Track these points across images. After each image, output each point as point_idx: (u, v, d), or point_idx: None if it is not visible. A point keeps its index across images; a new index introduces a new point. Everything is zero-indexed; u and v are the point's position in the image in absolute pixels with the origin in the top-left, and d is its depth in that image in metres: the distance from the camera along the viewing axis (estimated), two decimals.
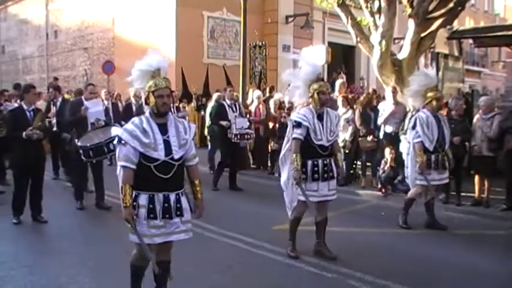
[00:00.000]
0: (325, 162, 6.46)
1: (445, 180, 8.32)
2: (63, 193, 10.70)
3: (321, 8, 20.95)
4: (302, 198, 6.40)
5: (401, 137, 10.25)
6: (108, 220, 8.85)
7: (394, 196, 10.31)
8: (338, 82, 13.08)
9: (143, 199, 4.44)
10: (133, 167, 4.41)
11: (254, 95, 14.29)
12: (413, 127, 7.93)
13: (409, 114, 9.10)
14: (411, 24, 12.91)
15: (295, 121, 6.45)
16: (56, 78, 24.10)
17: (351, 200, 10.33)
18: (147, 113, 4.57)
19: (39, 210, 8.43)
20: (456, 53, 16.58)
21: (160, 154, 4.41)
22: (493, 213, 9.08)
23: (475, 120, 9.82)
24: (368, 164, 11.51)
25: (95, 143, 8.46)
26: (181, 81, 19.01)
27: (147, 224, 4.44)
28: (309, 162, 6.40)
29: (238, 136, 11.33)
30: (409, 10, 12.96)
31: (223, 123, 11.35)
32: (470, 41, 20.46)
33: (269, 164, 13.31)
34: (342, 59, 26.45)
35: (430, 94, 7.85)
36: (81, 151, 8.56)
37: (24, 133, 7.84)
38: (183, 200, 4.59)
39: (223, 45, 22.72)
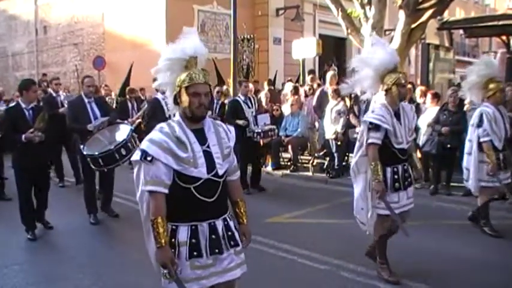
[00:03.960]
0: (404, 167, 5.56)
1: (509, 180, 7.50)
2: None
3: (311, 0, 20.95)
4: (383, 212, 5.51)
5: None
6: (115, 227, 8.36)
7: None
8: (329, 74, 13.07)
9: (183, 233, 3.36)
10: (166, 191, 3.30)
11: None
12: (479, 124, 7.11)
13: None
14: (401, 15, 12.93)
15: (372, 123, 5.38)
16: (44, 75, 24.00)
17: (342, 192, 10.31)
18: (176, 117, 3.47)
19: (43, 216, 7.81)
20: (447, 44, 16.64)
21: (201, 171, 3.34)
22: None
23: (464, 109, 9.85)
24: None
25: (104, 150, 7.51)
26: None
27: (190, 265, 3.36)
28: (389, 170, 5.46)
29: (262, 134, 10.33)
30: (399, 1, 12.99)
31: (240, 122, 10.09)
32: (461, 31, 20.54)
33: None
34: (333, 51, 26.40)
35: (492, 86, 7.05)
36: (88, 159, 7.66)
37: (23, 136, 6.98)
38: (233, 225, 3.56)
39: (213, 38, 22.61)
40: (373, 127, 5.36)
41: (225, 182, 3.51)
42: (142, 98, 14.84)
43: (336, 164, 11.60)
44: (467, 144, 7.53)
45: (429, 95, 10.37)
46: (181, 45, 3.47)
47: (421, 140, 9.92)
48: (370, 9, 13.23)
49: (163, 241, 3.24)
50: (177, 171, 3.29)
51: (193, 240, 3.35)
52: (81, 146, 7.84)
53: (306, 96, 13.54)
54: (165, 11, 20.88)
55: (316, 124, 12.70)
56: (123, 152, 7.53)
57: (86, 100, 8.25)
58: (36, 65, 29.54)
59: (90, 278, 5.93)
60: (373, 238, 5.83)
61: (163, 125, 3.41)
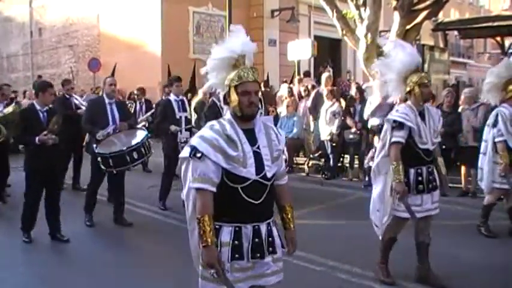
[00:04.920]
0: (429, 169, 5.43)
1: None
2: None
3: (306, 1, 21.03)
4: (403, 214, 5.38)
5: None
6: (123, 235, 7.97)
7: None
8: (324, 75, 13.09)
9: (226, 234, 3.30)
10: (214, 189, 3.23)
11: None
12: (494, 124, 7.06)
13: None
14: (396, 16, 12.96)
15: (396, 121, 5.29)
16: (39, 76, 23.89)
17: (338, 193, 10.35)
18: (227, 116, 3.39)
19: (58, 226, 7.31)
20: (441, 45, 16.65)
21: (250, 171, 3.25)
22: (480, 203, 9.10)
23: (459, 110, 9.88)
24: (355, 156, 11.55)
25: (115, 150, 7.39)
26: (168, 77, 18.93)
27: (231, 267, 3.29)
28: (412, 171, 5.35)
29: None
30: (394, 2, 13.01)
31: (173, 128, 9.08)
32: (456, 32, 20.59)
33: None
34: (329, 52, 26.45)
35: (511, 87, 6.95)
36: (99, 159, 7.49)
37: (37, 138, 6.76)
38: (275, 231, 3.46)
39: (208, 40, 22.61)
40: (397, 125, 5.29)
41: (273, 186, 3.42)
42: (136, 98, 14.73)
43: (331, 165, 11.62)
44: (482, 145, 7.50)
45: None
46: (229, 44, 3.43)
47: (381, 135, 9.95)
48: (365, 10, 13.24)
49: (209, 240, 3.17)
50: (226, 170, 3.23)
51: (236, 242, 3.28)
52: (94, 146, 7.65)
53: (301, 97, 13.55)
54: (160, 12, 20.91)
55: (312, 125, 12.71)
56: (135, 155, 7.42)
57: (107, 101, 7.98)
58: (31, 67, 29.53)
59: (89, 282, 5.91)
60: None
61: (213, 122, 3.35)
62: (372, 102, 10.89)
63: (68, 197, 9.45)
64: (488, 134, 7.28)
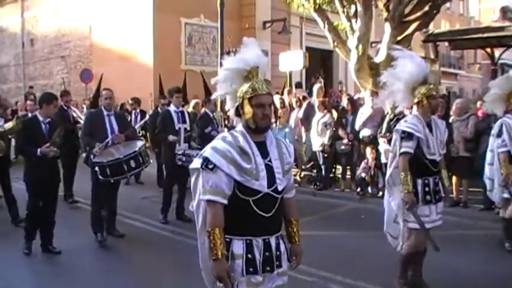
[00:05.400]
0: (436, 180, 5.46)
1: None
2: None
3: (298, 13, 21.08)
4: (414, 225, 5.34)
5: (380, 140, 10.33)
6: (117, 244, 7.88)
7: (373, 198, 10.36)
8: (316, 87, 13.13)
9: (238, 246, 3.25)
10: (225, 201, 3.19)
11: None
12: (499, 134, 7.06)
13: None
14: (387, 27, 13.06)
15: (405, 131, 5.31)
16: (31, 87, 23.84)
17: (330, 204, 10.36)
18: (239, 128, 3.35)
19: (50, 238, 7.22)
20: (432, 56, 16.81)
21: (262, 184, 3.23)
22: (471, 213, 9.18)
23: (450, 121, 9.94)
24: (348, 167, 11.58)
25: (112, 159, 7.32)
26: (159, 88, 18.92)
27: (247, 281, 3.24)
28: (419, 182, 5.36)
29: (184, 158, 9.17)
30: (385, 14, 13.13)
31: (171, 138, 9.00)
32: (446, 43, 20.75)
33: None
34: (320, 63, 26.54)
35: None
36: (97, 168, 7.38)
37: (39, 150, 6.74)
38: (283, 245, 3.44)
39: (200, 51, 22.68)
40: (406, 136, 5.30)
41: (282, 199, 3.38)
42: (129, 109, 14.67)
43: (323, 175, 11.63)
44: (488, 155, 7.50)
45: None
46: (243, 56, 3.40)
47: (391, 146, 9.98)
48: (356, 21, 13.34)
49: (219, 253, 3.12)
50: (238, 182, 3.19)
51: (249, 256, 3.24)
52: (92, 156, 7.53)
53: (292, 108, 13.58)
54: (153, 23, 20.94)
55: (304, 136, 12.73)
56: (133, 164, 7.36)
57: (105, 113, 7.86)
58: (22, 77, 29.46)
59: None
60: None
61: (226, 134, 3.34)
62: (364, 113, 10.94)
63: (60, 208, 9.41)
64: (493, 143, 7.28)
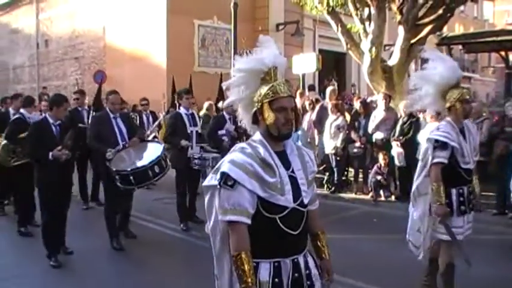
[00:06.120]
0: (469, 189, 5.17)
1: None
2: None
3: (311, 15, 21.05)
4: (445, 237, 5.08)
5: (393, 143, 10.32)
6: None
7: (385, 202, 10.34)
8: (329, 89, 13.13)
9: (265, 271, 2.86)
10: (249, 221, 2.81)
11: None
12: None
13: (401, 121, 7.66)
14: (401, 30, 13.03)
15: (439, 140, 4.99)
16: (44, 88, 23.96)
17: (342, 207, 10.34)
18: (257, 137, 2.97)
19: (63, 240, 7.18)
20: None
21: (288, 199, 2.86)
22: (484, 218, 9.10)
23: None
24: (360, 170, 11.57)
25: (136, 166, 7.03)
26: (171, 90, 18.97)
27: None
28: (454, 192, 5.07)
29: (197, 161, 9.03)
30: (398, 17, 13.09)
31: (184, 143, 8.69)
32: (460, 46, 20.63)
33: None
34: (333, 66, 26.49)
35: None
36: (117, 177, 7.08)
37: (51, 153, 6.56)
38: (311, 262, 3.07)
39: (214, 53, 22.71)
40: (439, 145, 4.97)
41: (308, 213, 3.02)
42: (141, 110, 14.58)
43: (335, 178, 11.62)
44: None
45: (428, 111, 10.39)
46: (259, 55, 2.99)
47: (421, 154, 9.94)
48: (369, 24, 13.32)
49: (249, 280, 2.74)
50: (261, 199, 2.81)
51: (276, 280, 2.86)
52: (107, 163, 7.21)
53: (305, 111, 13.58)
54: (166, 25, 20.98)
55: (316, 139, 12.72)
56: (157, 169, 7.12)
57: (111, 115, 7.63)
58: (37, 78, 29.64)
59: None
60: (427, 267, 5.53)
61: (243, 145, 2.93)
62: (376, 116, 10.92)
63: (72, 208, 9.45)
64: None
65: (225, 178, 2.78)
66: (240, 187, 2.77)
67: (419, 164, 5.31)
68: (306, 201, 2.96)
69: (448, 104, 5.04)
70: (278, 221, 2.84)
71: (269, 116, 2.88)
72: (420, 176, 5.22)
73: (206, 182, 3.02)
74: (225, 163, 2.84)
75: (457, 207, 5.06)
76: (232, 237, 2.82)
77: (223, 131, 9.61)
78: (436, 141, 4.99)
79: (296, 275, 2.90)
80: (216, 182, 2.86)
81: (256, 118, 2.96)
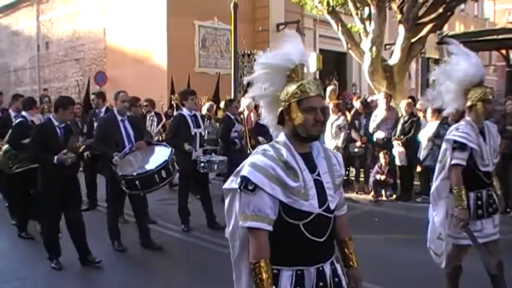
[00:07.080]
0: (489, 192, 4.96)
1: None
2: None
3: (311, 15, 21.08)
4: (464, 242, 4.95)
5: (394, 143, 10.31)
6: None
7: (386, 201, 10.33)
8: (329, 89, 13.11)
9: (286, 279, 2.70)
10: (270, 228, 2.65)
11: (244, 103, 14.21)
12: None
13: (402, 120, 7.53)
14: (401, 30, 13.02)
15: (458, 141, 4.77)
16: (45, 90, 23.97)
17: None
18: (281, 138, 2.79)
19: (86, 249, 6.82)
20: (447, 58, 16.67)
21: (313, 204, 2.69)
22: None
23: None
24: (361, 169, 11.55)
25: (143, 171, 6.78)
26: (170, 90, 18.92)
27: None
28: (472, 195, 4.85)
29: (203, 165, 8.75)
30: (399, 16, 13.08)
31: (187, 148, 8.41)
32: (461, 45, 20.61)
33: None
34: (334, 65, 26.49)
35: None
36: (123, 181, 6.86)
37: (56, 157, 6.29)
38: (340, 269, 2.91)
39: (214, 54, 22.72)
40: (458, 146, 4.76)
41: (335, 219, 2.87)
42: (145, 112, 14.45)
43: None
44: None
45: (429, 110, 10.39)
46: (285, 51, 2.82)
47: (422, 154, 9.94)
48: (369, 24, 13.32)
49: None
50: (284, 204, 2.65)
51: None
52: (113, 167, 7.00)
53: None
54: (166, 26, 21.00)
55: None
56: (164, 174, 6.84)
57: (119, 118, 7.36)
58: (38, 80, 29.69)
59: None
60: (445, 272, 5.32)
61: (266, 147, 2.76)
62: (377, 115, 10.91)
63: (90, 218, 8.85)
64: None
65: (246, 182, 2.64)
66: (260, 192, 2.62)
67: (438, 165, 5.10)
68: (332, 206, 2.80)
69: (469, 103, 4.81)
70: (302, 227, 2.68)
71: (297, 117, 2.70)
72: (438, 178, 5.03)
73: (226, 185, 2.90)
74: (246, 166, 2.70)
75: (474, 211, 4.87)
76: (251, 244, 2.68)
77: (234, 134, 9.56)
78: (455, 142, 4.80)
79: (321, 284, 2.74)
80: (237, 186, 2.73)
81: (282, 118, 2.79)
